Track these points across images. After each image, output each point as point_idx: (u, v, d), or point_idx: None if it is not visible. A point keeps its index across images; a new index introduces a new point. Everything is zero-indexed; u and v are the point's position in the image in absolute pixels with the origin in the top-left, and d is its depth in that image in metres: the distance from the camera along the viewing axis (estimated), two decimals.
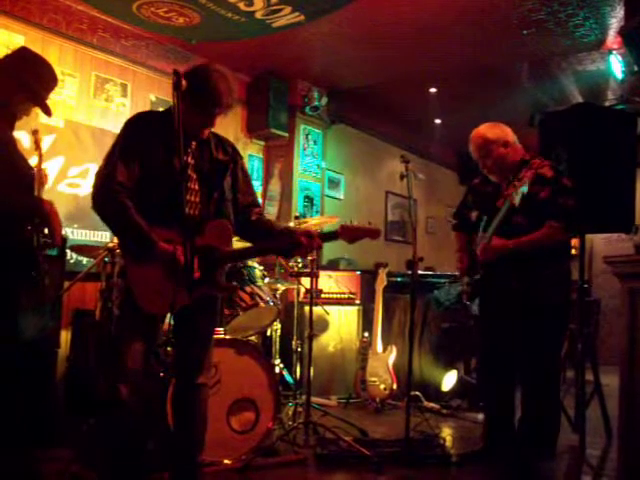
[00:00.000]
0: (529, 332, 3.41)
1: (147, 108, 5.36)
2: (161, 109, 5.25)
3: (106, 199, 2.55)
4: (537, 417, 3.46)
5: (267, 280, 4.13)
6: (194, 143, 2.72)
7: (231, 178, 2.82)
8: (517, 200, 3.22)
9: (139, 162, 2.57)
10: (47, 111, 3.04)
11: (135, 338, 2.59)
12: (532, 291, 3.35)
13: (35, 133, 3.24)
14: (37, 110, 3.10)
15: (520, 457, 3.43)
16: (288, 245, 2.77)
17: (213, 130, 2.79)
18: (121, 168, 2.53)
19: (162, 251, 2.51)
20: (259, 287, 3.87)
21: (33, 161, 3.15)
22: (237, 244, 2.95)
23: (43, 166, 3.19)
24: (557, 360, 3.61)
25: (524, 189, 3.21)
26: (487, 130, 3.53)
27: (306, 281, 4.30)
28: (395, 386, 4.94)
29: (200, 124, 2.67)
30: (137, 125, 2.68)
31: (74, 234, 4.71)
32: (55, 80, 3.07)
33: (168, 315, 2.66)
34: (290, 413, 4.23)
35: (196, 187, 2.70)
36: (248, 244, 2.99)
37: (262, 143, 6.63)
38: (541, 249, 3.35)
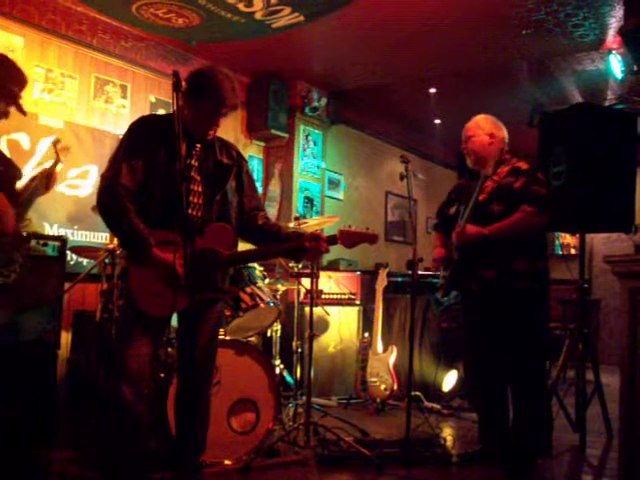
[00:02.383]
0: (504, 321, 3.43)
1: (147, 109, 5.37)
2: (161, 110, 5.37)
3: (109, 201, 2.57)
4: (527, 417, 3.46)
5: (267, 281, 4.13)
6: (199, 146, 2.73)
7: (236, 182, 2.83)
8: (489, 170, 3.45)
9: (143, 165, 2.59)
10: (22, 110, 3.08)
11: (138, 340, 2.59)
12: (503, 278, 3.38)
13: (56, 143, 3.37)
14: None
15: (517, 456, 3.43)
16: (297, 249, 2.78)
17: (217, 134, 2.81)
18: (125, 171, 2.56)
19: (155, 256, 2.52)
20: (259, 288, 3.87)
21: (32, 163, 3.20)
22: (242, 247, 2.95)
23: (57, 169, 3.33)
24: (538, 356, 3.57)
25: None
26: (481, 118, 3.66)
27: (306, 282, 4.30)
28: (396, 386, 4.93)
29: (206, 125, 2.69)
30: (141, 128, 2.69)
31: (74, 235, 4.71)
32: (26, 79, 3.10)
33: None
34: (291, 414, 4.23)
35: (199, 189, 2.71)
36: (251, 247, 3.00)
37: (262, 144, 6.63)
38: (516, 240, 3.37)
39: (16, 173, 3.17)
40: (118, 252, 3.74)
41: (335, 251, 6.43)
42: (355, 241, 2.82)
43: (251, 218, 2.88)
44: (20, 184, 3.25)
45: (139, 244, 2.54)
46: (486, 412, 3.67)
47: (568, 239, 9.07)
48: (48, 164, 3.47)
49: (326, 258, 6.53)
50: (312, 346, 4.00)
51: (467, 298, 3.68)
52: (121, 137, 2.72)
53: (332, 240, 2.79)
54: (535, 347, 3.47)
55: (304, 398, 4.01)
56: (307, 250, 2.75)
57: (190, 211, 2.63)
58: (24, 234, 3.31)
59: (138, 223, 2.53)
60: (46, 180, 3.35)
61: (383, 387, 4.96)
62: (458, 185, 3.91)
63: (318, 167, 6.87)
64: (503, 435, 3.54)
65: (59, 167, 3.48)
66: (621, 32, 4.42)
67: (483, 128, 3.59)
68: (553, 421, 3.66)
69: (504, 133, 3.62)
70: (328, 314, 5.25)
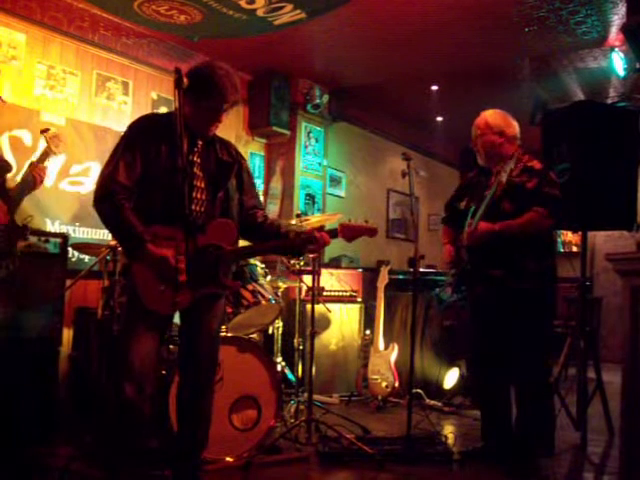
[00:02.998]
0: (511, 320, 3.42)
1: (149, 106, 5.37)
2: (163, 107, 5.37)
3: (104, 198, 2.57)
4: (530, 415, 3.46)
5: (269, 278, 4.13)
6: (200, 142, 2.73)
7: (236, 180, 2.84)
8: (504, 177, 3.36)
9: (142, 162, 2.59)
10: (1, 100, 3.09)
11: (142, 337, 2.59)
12: (512, 278, 3.36)
13: (44, 132, 3.26)
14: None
15: (520, 454, 3.44)
16: (298, 243, 2.79)
17: (216, 133, 2.81)
18: (122, 168, 2.55)
19: (150, 252, 2.52)
20: (261, 285, 3.88)
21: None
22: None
23: (47, 162, 3.23)
24: (543, 355, 3.56)
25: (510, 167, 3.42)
26: (491, 114, 3.60)
27: (308, 279, 4.30)
28: (397, 384, 4.94)
29: (207, 121, 2.69)
30: (141, 126, 2.70)
31: (76, 232, 4.71)
32: None
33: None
34: (292, 411, 4.24)
35: (202, 185, 2.71)
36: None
37: (263, 141, 6.63)
38: (526, 239, 3.35)
39: (3, 165, 3.16)
40: (119, 249, 3.74)
41: (337, 248, 6.47)
42: (355, 234, 2.85)
43: (250, 216, 2.89)
44: (16, 178, 3.23)
45: (134, 241, 2.54)
46: (489, 410, 3.67)
47: (570, 237, 9.06)
48: (35, 156, 3.33)
49: (328, 255, 6.53)
50: (313, 343, 4.01)
51: (475, 297, 3.66)
52: (122, 134, 2.72)
53: (333, 233, 2.82)
54: (540, 346, 3.47)
55: (305, 395, 4.02)
56: (312, 242, 2.76)
57: (193, 207, 2.64)
58: (19, 225, 3.26)
59: (132, 220, 2.53)
60: (32, 175, 3.25)
61: (384, 384, 4.96)
62: (467, 178, 3.84)
63: (320, 164, 6.87)
64: (505, 433, 3.54)
65: (53, 159, 3.33)
66: (623, 29, 4.40)
67: (492, 127, 3.53)
68: (555, 419, 3.66)
69: (514, 130, 3.55)
70: (329, 311, 5.25)
